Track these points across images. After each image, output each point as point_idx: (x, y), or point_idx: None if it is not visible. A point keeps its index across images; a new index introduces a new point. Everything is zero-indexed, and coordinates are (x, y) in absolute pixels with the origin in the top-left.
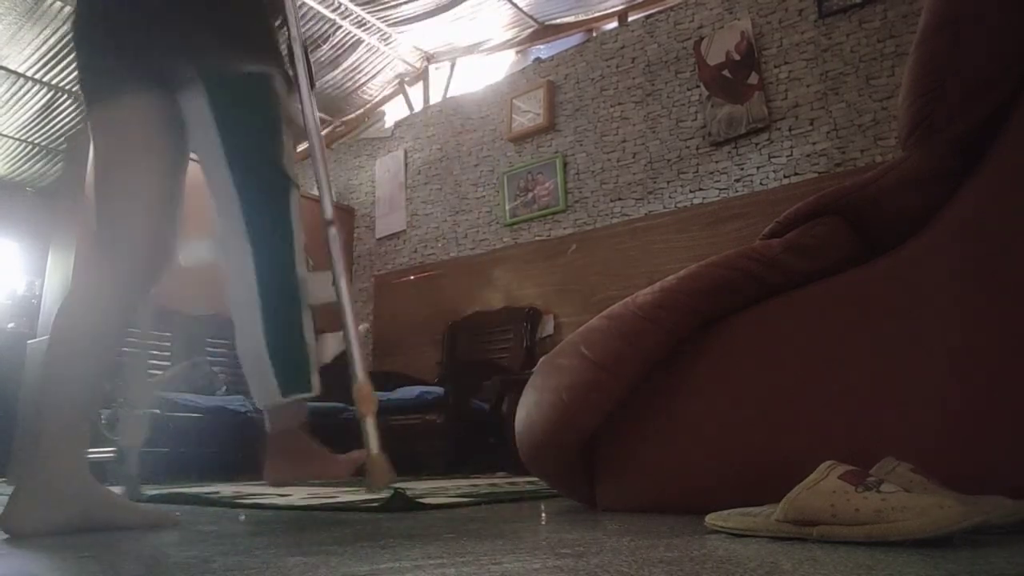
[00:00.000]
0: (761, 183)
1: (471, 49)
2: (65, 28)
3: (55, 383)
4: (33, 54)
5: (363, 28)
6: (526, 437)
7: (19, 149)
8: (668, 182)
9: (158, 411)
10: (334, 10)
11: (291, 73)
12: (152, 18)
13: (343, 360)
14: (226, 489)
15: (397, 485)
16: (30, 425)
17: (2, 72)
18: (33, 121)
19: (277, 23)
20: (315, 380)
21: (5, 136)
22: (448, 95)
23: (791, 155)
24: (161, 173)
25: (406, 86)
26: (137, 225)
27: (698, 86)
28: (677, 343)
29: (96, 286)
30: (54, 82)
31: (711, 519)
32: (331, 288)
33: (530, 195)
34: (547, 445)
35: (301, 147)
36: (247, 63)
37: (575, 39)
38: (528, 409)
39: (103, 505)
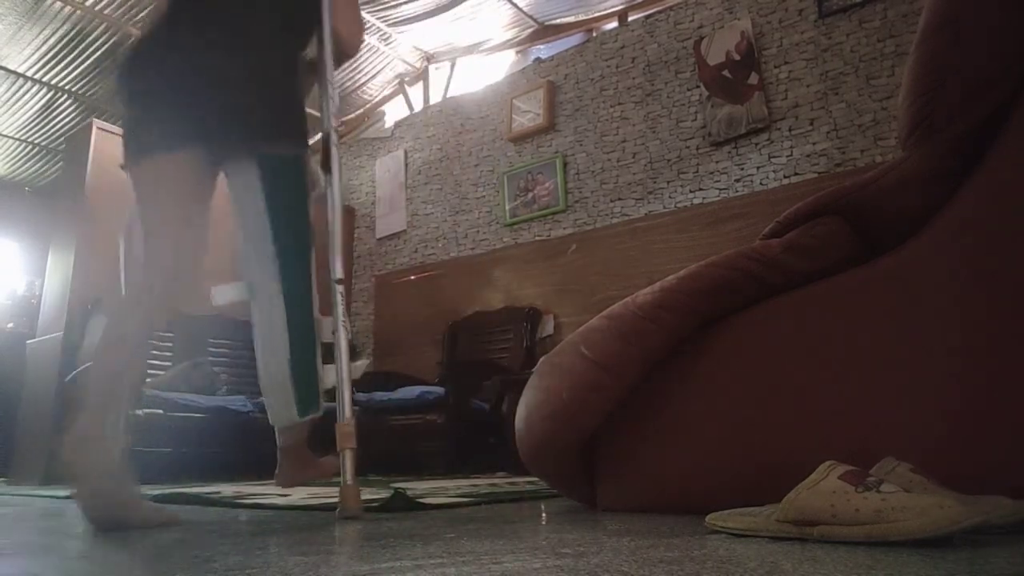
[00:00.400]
0: (761, 183)
1: (471, 49)
2: (65, 28)
3: (98, 380)
4: (33, 54)
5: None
6: (526, 437)
7: (19, 149)
8: (668, 182)
9: (161, 411)
10: None
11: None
12: (216, 99)
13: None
14: (227, 489)
15: (397, 485)
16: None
17: (2, 72)
18: (33, 121)
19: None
20: (321, 401)
21: (5, 136)
22: (448, 95)
23: (791, 155)
24: (197, 218)
25: (406, 86)
26: (173, 256)
27: (698, 86)
28: (677, 343)
29: (140, 298)
30: (54, 82)
31: (711, 519)
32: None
33: (530, 195)
34: (547, 445)
35: None
36: (291, 148)
37: (575, 39)
38: (528, 409)
39: (114, 505)
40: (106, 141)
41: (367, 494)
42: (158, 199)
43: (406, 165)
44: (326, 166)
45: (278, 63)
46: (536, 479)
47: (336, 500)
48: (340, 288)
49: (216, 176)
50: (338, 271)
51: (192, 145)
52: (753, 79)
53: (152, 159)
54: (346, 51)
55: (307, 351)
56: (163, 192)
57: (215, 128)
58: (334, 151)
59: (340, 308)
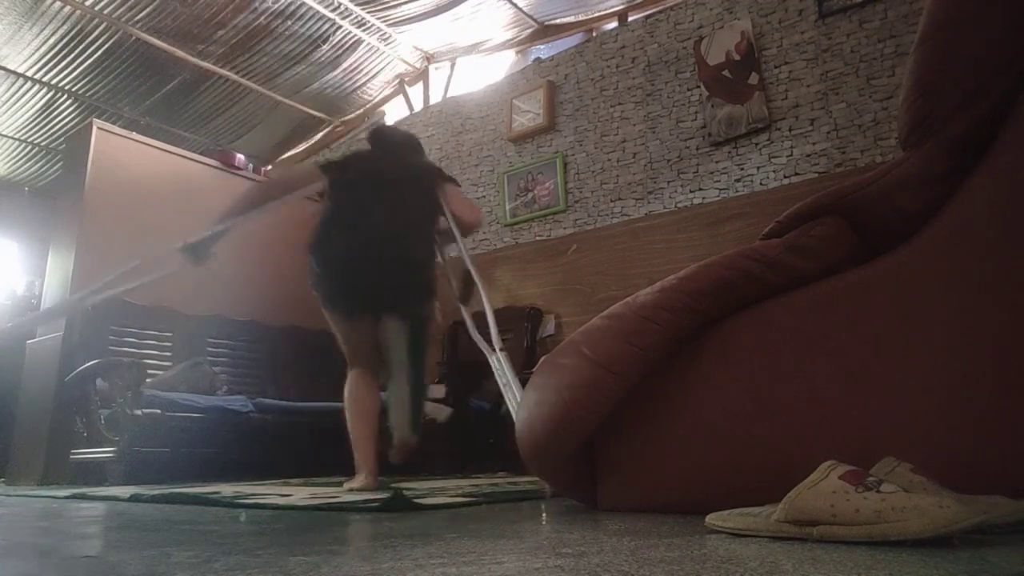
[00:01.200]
0: (761, 183)
1: (471, 49)
2: (65, 28)
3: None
4: (33, 54)
5: (363, 28)
6: (526, 437)
7: (19, 149)
8: (668, 182)
9: (159, 411)
10: (334, 10)
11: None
12: (383, 281)
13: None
14: (226, 489)
15: (397, 486)
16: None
17: (2, 72)
18: (33, 121)
19: None
20: (419, 429)
21: (5, 136)
22: (448, 95)
23: (791, 155)
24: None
25: (406, 86)
26: (349, 351)
27: (698, 86)
28: (677, 343)
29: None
30: (54, 82)
31: (711, 519)
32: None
33: (530, 195)
34: (547, 445)
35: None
36: (428, 310)
37: (575, 39)
38: (529, 409)
39: None
40: (106, 141)
41: (368, 494)
42: (348, 334)
43: None
44: (465, 298)
45: (426, 247)
46: (536, 479)
47: (337, 501)
48: (501, 355)
49: (380, 320)
50: (496, 342)
51: (370, 314)
52: (753, 79)
53: (347, 318)
54: (468, 229)
55: (418, 412)
56: (350, 333)
57: (382, 302)
58: (472, 272)
59: (508, 372)
